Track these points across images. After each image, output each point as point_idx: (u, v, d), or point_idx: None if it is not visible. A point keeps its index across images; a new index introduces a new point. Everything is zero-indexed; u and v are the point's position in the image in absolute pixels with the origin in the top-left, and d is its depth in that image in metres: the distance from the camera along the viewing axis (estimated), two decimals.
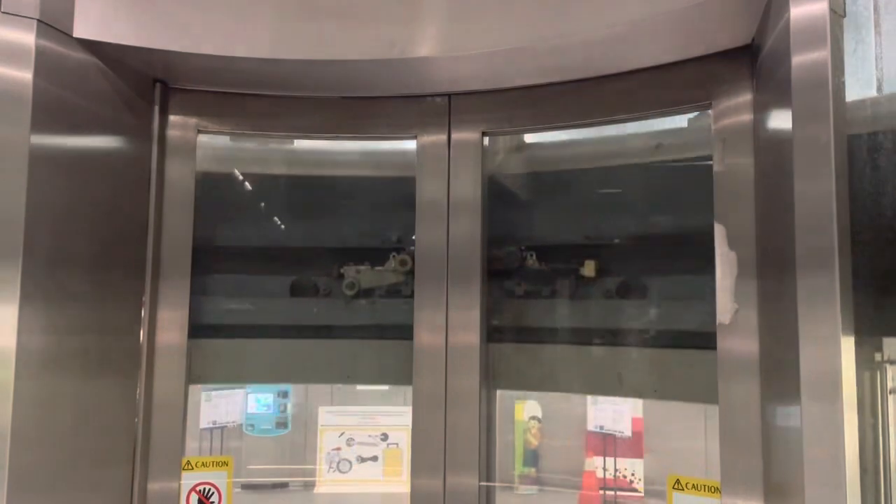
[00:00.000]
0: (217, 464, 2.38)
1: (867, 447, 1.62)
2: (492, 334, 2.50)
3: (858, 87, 1.83)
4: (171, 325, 2.36)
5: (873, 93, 1.83)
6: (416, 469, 2.33)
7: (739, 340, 1.96)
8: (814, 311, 1.49)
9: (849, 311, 1.50)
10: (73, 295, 2.11)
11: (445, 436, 2.31)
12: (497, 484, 2.31)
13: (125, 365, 2.29)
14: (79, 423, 2.11)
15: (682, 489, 2.02)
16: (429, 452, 2.32)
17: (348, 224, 2.92)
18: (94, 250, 2.18)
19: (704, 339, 2.10)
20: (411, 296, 2.43)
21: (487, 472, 2.34)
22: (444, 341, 2.35)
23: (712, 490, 1.97)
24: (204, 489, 2.36)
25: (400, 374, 2.53)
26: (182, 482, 2.34)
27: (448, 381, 2.33)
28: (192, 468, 2.35)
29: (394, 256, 2.68)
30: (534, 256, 2.62)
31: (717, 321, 1.99)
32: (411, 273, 2.49)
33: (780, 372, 1.74)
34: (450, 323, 2.35)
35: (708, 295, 2.07)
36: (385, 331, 2.73)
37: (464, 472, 2.29)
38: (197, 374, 2.54)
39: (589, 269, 2.55)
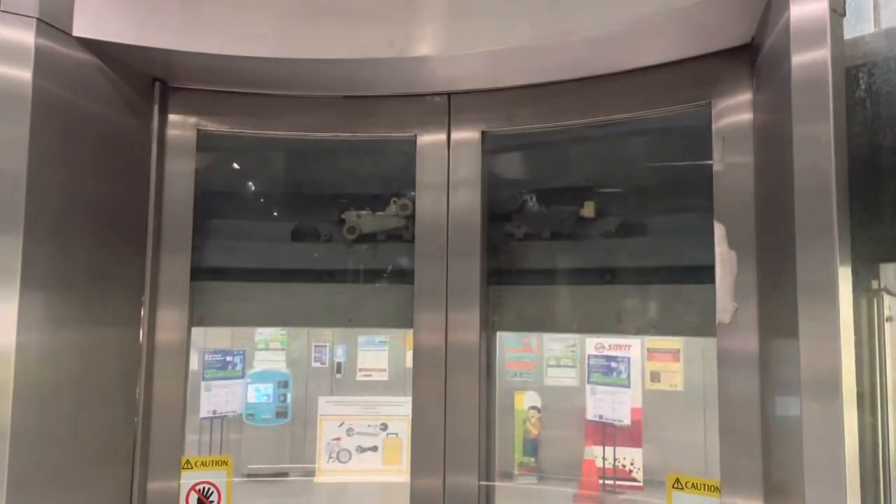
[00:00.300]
0: (216, 463, 2.36)
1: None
2: (491, 276, 2.51)
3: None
4: (170, 324, 2.36)
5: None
6: (416, 467, 2.31)
7: (739, 339, 1.95)
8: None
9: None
10: (72, 291, 2.10)
11: (445, 435, 2.29)
12: (497, 483, 2.29)
13: (124, 363, 2.28)
14: (78, 421, 2.10)
15: (682, 488, 2.00)
16: (429, 451, 2.31)
17: (350, 170, 2.96)
18: (93, 249, 2.18)
19: (701, 274, 2.10)
20: (412, 240, 2.44)
21: (487, 470, 2.32)
22: (443, 341, 2.34)
23: (712, 489, 1.95)
24: (203, 488, 2.35)
25: (400, 317, 2.56)
26: (181, 481, 2.33)
27: (448, 380, 2.32)
28: (192, 467, 2.34)
29: (394, 202, 2.69)
30: (534, 199, 2.63)
31: (717, 320, 1.98)
32: (411, 218, 2.50)
33: (779, 364, 1.73)
34: (449, 322, 2.34)
35: (705, 230, 2.08)
36: (386, 275, 2.76)
37: (463, 472, 2.27)
38: (199, 316, 2.53)
39: (588, 209, 2.57)
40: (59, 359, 2.05)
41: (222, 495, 2.37)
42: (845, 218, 1.52)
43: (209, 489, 2.36)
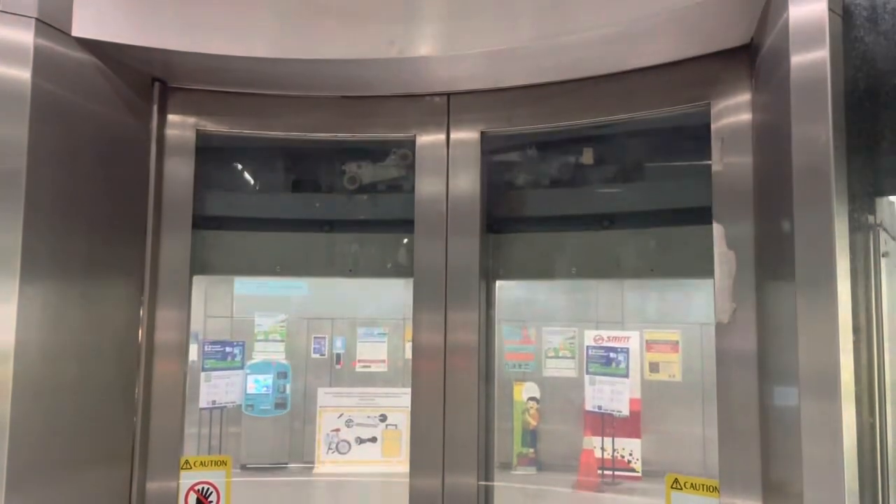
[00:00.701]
0: (215, 463, 2.37)
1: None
2: (490, 225, 2.53)
3: None
4: (170, 324, 2.36)
5: None
6: (415, 467, 2.32)
7: (738, 339, 1.96)
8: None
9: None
10: (71, 290, 2.11)
11: (444, 435, 2.30)
12: (496, 483, 2.30)
13: (124, 362, 2.28)
14: (77, 421, 2.11)
15: (681, 488, 2.01)
16: (428, 450, 2.31)
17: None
18: (92, 249, 2.18)
19: (698, 216, 2.12)
20: (412, 190, 2.45)
21: (486, 470, 2.33)
22: (443, 339, 2.35)
23: (711, 489, 1.96)
24: (202, 488, 2.35)
25: (400, 268, 2.60)
26: (180, 481, 2.33)
27: (447, 379, 2.33)
28: (191, 467, 2.34)
29: (394, 152, 2.69)
30: (533, 147, 2.66)
31: (716, 320, 1.99)
32: (412, 167, 2.50)
33: (777, 360, 1.74)
34: (448, 321, 2.34)
35: (701, 173, 2.10)
36: (386, 225, 2.78)
37: (462, 471, 2.28)
38: (201, 264, 2.55)
39: (587, 156, 2.60)
40: (59, 358, 2.05)
41: (221, 495, 2.37)
42: (844, 224, 1.54)
43: (208, 489, 2.36)
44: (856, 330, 1.58)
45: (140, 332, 2.31)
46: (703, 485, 1.97)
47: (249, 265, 2.85)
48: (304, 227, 2.81)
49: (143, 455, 2.29)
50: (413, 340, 2.34)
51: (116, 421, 2.25)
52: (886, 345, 1.67)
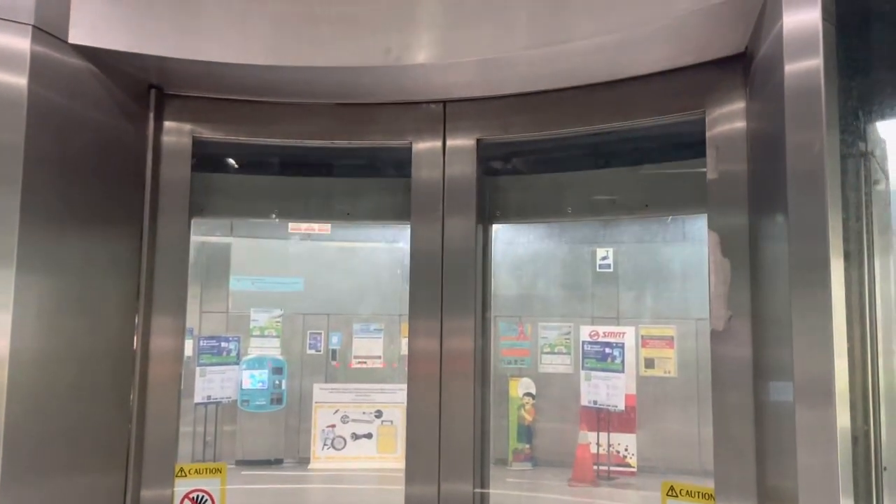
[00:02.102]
0: (210, 471, 2.36)
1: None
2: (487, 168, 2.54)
3: None
4: (165, 331, 2.36)
5: None
6: (411, 474, 2.32)
7: (733, 346, 1.97)
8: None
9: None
10: (68, 297, 2.11)
11: (439, 442, 2.31)
12: (490, 490, 2.31)
13: (119, 369, 2.28)
14: (72, 428, 2.11)
15: (677, 496, 2.02)
16: (423, 458, 2.32)
17: None
18: (88, 255, 2.18)
19: (691, 151, 2.14)
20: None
21: (482, 477, 2.34)
22: (438, 351, 2.35)
23: (706, 496, 1.97)
24: (197, 496, 2.35)
25: (398, 211, 2.62)
26: (175, 489, 2.33)
27: (442, 387, 2.33)
28: (186, 475, 2.34)
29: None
30: None
31: (711, 328, 2.00)
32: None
33: (773, 366, 1.75)
34: (444, 329, 2.35)
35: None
36: (383, 167, 2.81)
37: (458, 479, 2.29)
38: (199, 206, 2.54)
39: None
40: (54, 365, 2.05)
41: (216, 503, 2.37)
42: (838, 231, 1.55)
43: (203, 497, 2.36)
44: (850, 335, 1.59)
45: (135, 338, 2.31)
46: (698, 492, 1.99)
47: (248, 208, 2.84)
48: (302, 172, 2.81)
49: (137, 462, 2.29)
50: (409, 350, 2.35)
51: (111, 428, 2.25)
52: (881, 351, 1.68)
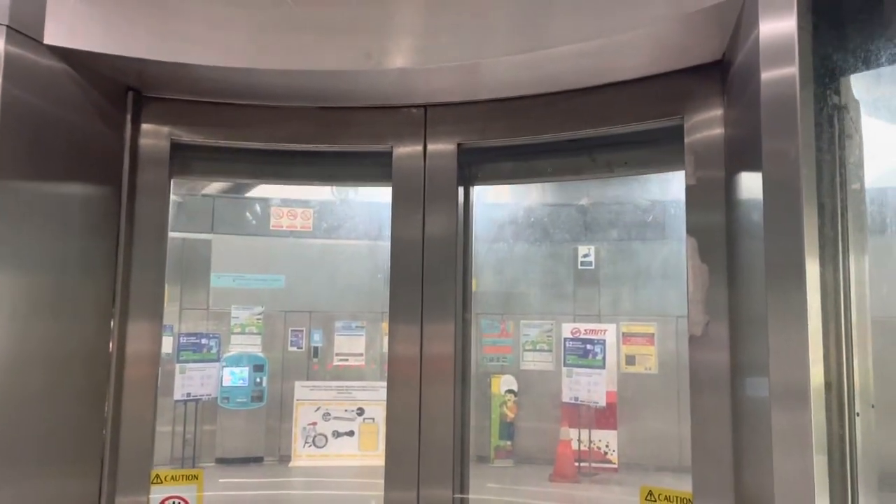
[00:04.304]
0: (187, 477, 2.35)
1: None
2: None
3: None
4: (141, 337, 2.34)
5: None
6: (390, 480, 2.32)
7: (711, 352, 1.99)
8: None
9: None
10: (40, 302, 2.08)
11: (419, 447, 2.31)
12: (470, 495, 2.32)
13: (93, 376, 2.26)
14: (45, 435, 2.08)
15: (655, 500, 2.04)
16: (403, 464, 2.32)
17: None
18: (62, 259, 2.15)
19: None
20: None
21: (462, 481, 2.34)
22: (419, 354, 2.35)
23: (685, 501, 1.99)
24: (173, 503, 2.33)
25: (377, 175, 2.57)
26: (151, 496, 2.30)
27: (423, 392, 2.33)
28: (162, 482, 2.31)
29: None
30: None
31: (689, 333, 2.01)
32: None
33: (750, 371, 1.77)
34: (424, 335, 2.35)
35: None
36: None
37: (438, 484, 2.29)
38: (179, 167, 2.49)
39: None
40: (27, 371, 2.02)
41: None
42: (814, 237, 1.56)
43: None
44: (825, 338, 1.61)
45: (111, 343, 2.29)
46: (676, 497, 2.00)
47: (229, 169, 2.78)
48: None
49: (112, 468, 2.27)
50: (389, 356, 2.34)
51: (85, 433, 2.23)
52: (856, 352, 1.70)
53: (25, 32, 2.02)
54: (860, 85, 1.77)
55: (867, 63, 1.76)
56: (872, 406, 1.69)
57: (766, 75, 1.59)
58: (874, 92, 1.82)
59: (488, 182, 2.62)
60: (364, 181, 2.90)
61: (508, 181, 2.63)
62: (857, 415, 1.67)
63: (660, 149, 2.38)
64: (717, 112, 2.03)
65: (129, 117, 2.36)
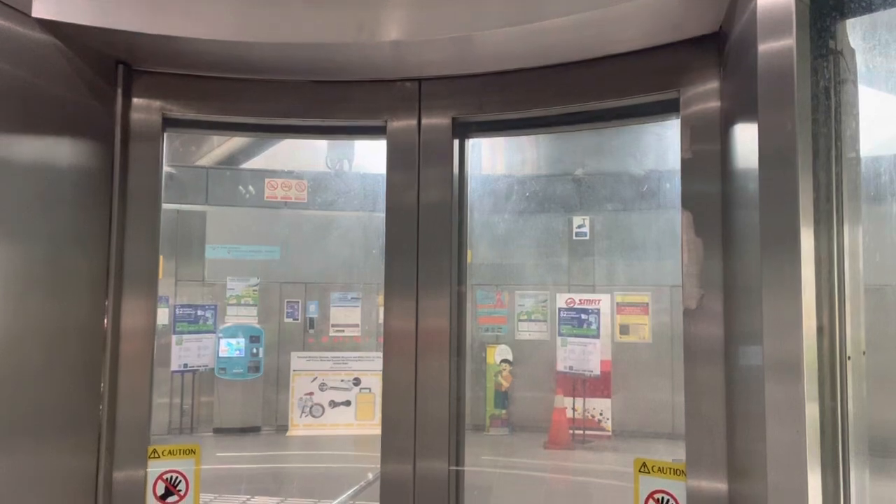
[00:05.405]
0: (184, 452, 2.35)
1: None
2: None
3: None
4: (136, 313, 2.33)
5: None
6: (386, 454, 2.33)
7: (705, 325, 1.99)
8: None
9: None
10: (34, 277, 2.07)
11: (415, 420, 2.33)
12: (467, 468, 2.34)
13: (89, 351, 2.26)
14: (41, 411, 2.09)
15: (649, 472, 2.06)
16: (399, 438, 2.34)
17: None
18: (54, 234, 2.14)
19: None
20: None
21: (457, 454, 2.36)
22: (414, 327, 2.35)
23: (678, 472, 2.01)
24: (171, 477, 2.34)
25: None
26: (148, 470, 2.31)
27: (419, 365, 2.34)
28: (159, 456, 2.32)
29: None
30: None
31: (684, 306, 2.02)
32: None
33: (743, 342, 1.78)
34: (420, 306, 2.35)
35: None
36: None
37: (434, 457, 2.31)
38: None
39: None
40: (21, 346, 2.02)
41: (190, 484, 2.36)
42: (809, 210, 1.56)
43: (176, 478, 2.35)
44: (819, 308, 1.62)
45: (106, 317, 2.29)
46: (670, 468, 2.02)
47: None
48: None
49: (109, 444, 2.27)
50: (384, 328, 2.35)
51: (82, 409, 2.23)
52: (849, 322, 1.71)
53: (13, 5, 1.99)
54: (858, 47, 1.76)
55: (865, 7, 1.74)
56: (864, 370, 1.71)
57: (764, 47, 1.58)
58: (870, 62, 1.82)
59: (483, 134, 2.58)
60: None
61: (502, 133, 2.60)
62: (849, 381, 1.69)
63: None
64: (714, 84, 2.02)
65: (119, 91, 2.33)
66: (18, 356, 2.01)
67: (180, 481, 2.35)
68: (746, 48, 1.68)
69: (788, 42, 1.55)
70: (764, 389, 1.53)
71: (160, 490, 2.33)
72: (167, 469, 2.33)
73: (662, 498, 2.05)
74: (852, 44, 1.73)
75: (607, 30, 2.03)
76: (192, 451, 2.36)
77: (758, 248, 1.58)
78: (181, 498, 2.36)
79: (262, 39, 2.13)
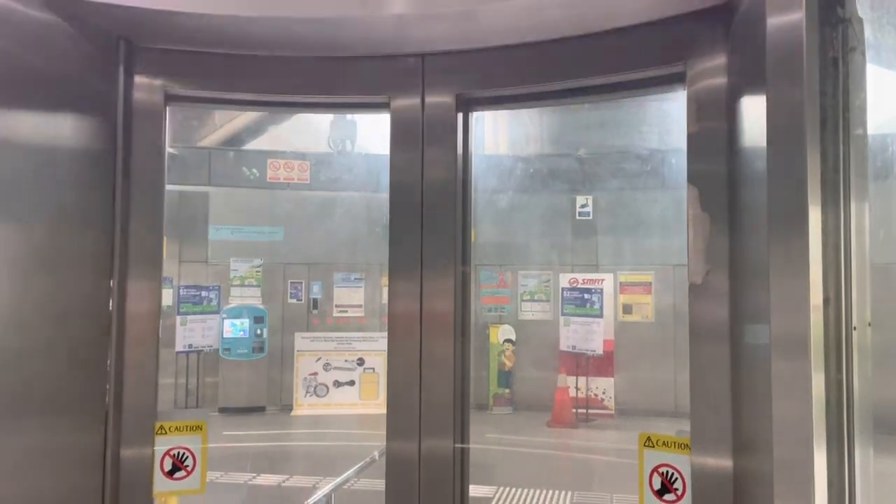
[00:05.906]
0: (191, 428, 2.36)
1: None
2: None
3: None
4: (141, 292, 2.33)
5: None
6: (392, 432, 2.34)
7: (711, 301, 1.98)
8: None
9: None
10: (38, 257, 2.06)
11: (420, 399, 2.33)
12: (471, 445, 2.35)
13: (94, 329, 2.26)
14: (48, 389, 2.09)
15: (653, 446, 2.06)
16: (404, 416, 2.34)
17: None
18: (58, 213, 2.13)
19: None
20: None
21: (462, 432, 2.37)
22: (419, 309, 2.35)
23: (682, 447, 2.01)
24: (178, 453, 2.35)
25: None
26: (155, 447, 2.32)
27: (423, 344, 2.34)
28: (166, 433, 2.33)
29: None
30: None
31: (689, 281, 2.01)
32: None
33: (750, 318, 1.78)
34: (424, 287, 2.35)
35: None
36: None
37: (439, 435, 2.31)
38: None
39: None
40: (27, 327, 2.01)
41: (197, 460, 2.36)
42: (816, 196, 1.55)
43: (184, 454, 2.36)
44: (825, 285, 1.61)
45: (111, 297, 2.28)
46: (675, 442, 2.02)
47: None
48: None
49: (116, 421, 2.28)
50: (389, 309, 2.34)
51: (89, 387, 2.23)
52: (854, 295, 1.70)
53: None
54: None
55: None
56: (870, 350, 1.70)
57: (773, 20, 1.56)
58: (877, 32, 1.79)
59: (486, 108, 2.57)
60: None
61: (506, 106, 2.58)
62: (854, 353, 1.68)
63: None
64: (721, 59, 1.99)
65: (121, 68, 2.31)
66: (25, 336, 2.01)
67: (187, 457, 2.36)
68: (755, 21, 1.66)
69: (798, 14, 1.53)
70: (770, 365, 1.53)
71: (167, 466, 2.34)
72: (174, 446, 2.34)
73: (667, 472, 2.05)
74: (860, 13, 1.70)
75: (614, 2, 2.01)
76: (199, 428, 2.36)
77: (765, 223, 1.57)
78: (188, 474, 2.37)
79: (264, 14, 2.11)
